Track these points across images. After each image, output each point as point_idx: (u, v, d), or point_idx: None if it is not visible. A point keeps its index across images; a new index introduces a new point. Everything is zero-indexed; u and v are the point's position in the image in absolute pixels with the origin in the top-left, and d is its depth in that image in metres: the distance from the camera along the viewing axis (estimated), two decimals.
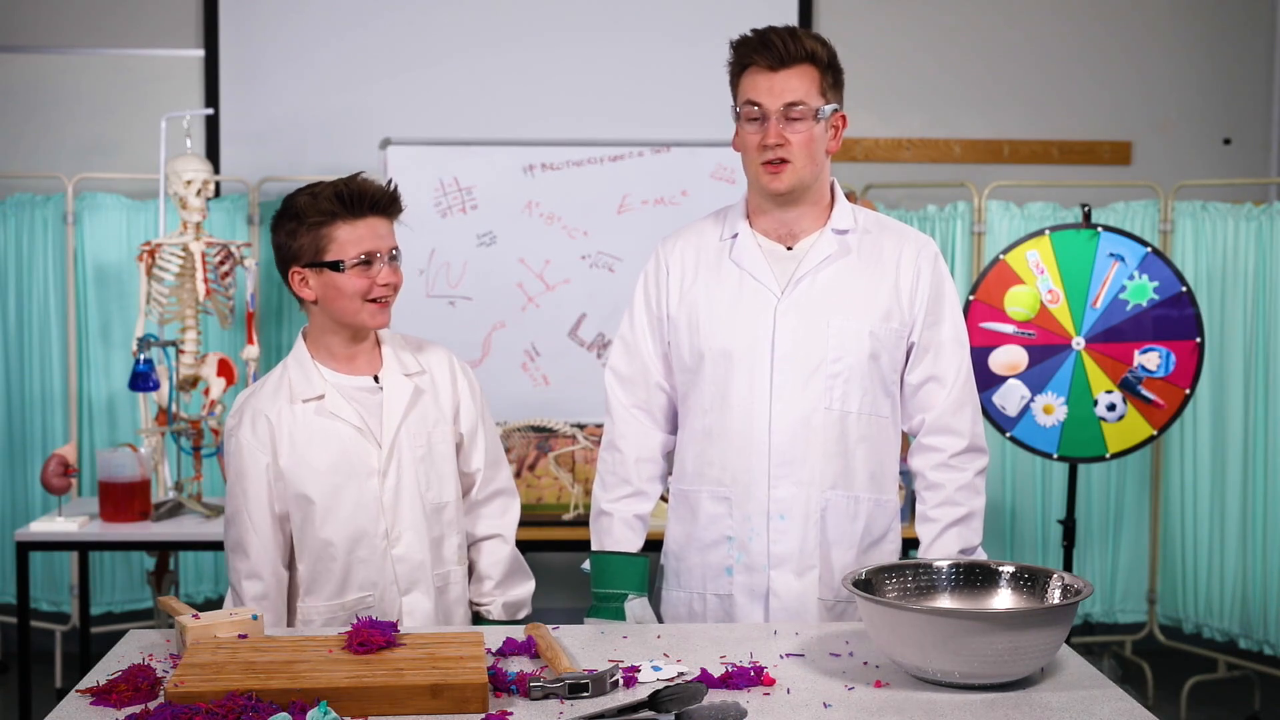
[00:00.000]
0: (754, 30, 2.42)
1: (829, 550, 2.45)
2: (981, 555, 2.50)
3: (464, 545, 2.57)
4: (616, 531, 2.54)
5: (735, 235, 2.51)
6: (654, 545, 2.65)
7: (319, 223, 2.38)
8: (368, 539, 2.43)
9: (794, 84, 2.38)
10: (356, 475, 2.42)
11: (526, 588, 2.65)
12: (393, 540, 2.44)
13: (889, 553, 2.52)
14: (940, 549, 2.45)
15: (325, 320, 2.44)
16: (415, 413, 2.47)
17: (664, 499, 2.63)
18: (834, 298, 2.44)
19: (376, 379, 2.48)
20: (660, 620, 2.57)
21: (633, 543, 2.54)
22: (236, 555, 2.44)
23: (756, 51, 2.40)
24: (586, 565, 2.57)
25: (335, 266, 2.38)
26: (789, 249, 2.48)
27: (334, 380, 2.44)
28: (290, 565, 2.46)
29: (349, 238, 2.38)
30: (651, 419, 2.57)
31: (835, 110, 2.43)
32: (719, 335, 2.46)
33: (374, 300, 2.41)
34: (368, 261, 2.39)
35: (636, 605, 2.48)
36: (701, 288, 2.50)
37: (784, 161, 2.40)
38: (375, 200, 2.40)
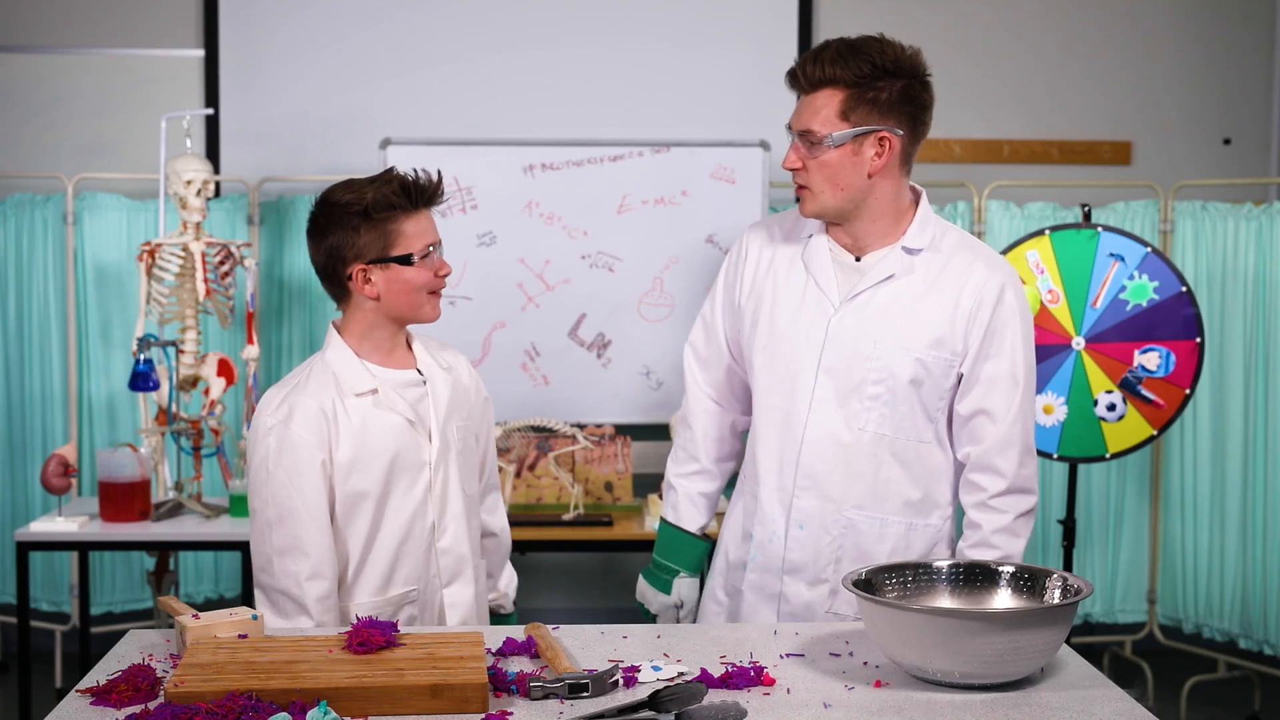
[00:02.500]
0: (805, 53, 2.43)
1: (850, 567, 2.42)
2: None
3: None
4: (681, 506, 2.61)
5: (810, 236, 2.48)
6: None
7: (386, 217, 2.36)
8: (416, 532, 2.42)
9: (808, 111, 2.36)
10: (410, 468, 2.41)
11: (512, 573, 2.75)
12: (439, 533, 2.45)
13: None
14: None
15: (379, 317, 2.41)
16: (456, 407, 2.50)
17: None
18: (887, 317, 2.40)
19: (419, 372, 2.48)
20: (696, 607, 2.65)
21: (695, 520, 2.61)
22: (290, 558, 2.34)
23: (789, 80, 2.41)
24: (656, 525, 2.63)
25: (405, 260, 2.37)
26: (858, 260, 2.45)
27: (381, 375, 2.42)
28: None
29: (414, 231, 2.38)
30: (723, 400, 2.61)
31: (870, 133, 2.34)
32: (773, 336, 2.46)
33: (433, 292, 2.43)
34: (428, 254, 2.40)
35: (684, 585, 2.58)
36: (770, 284, 2.49)
37: (804, 187, 2.39)
38: (433, 193, 2.42)
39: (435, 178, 2.43)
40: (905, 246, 2.41)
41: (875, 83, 2.34)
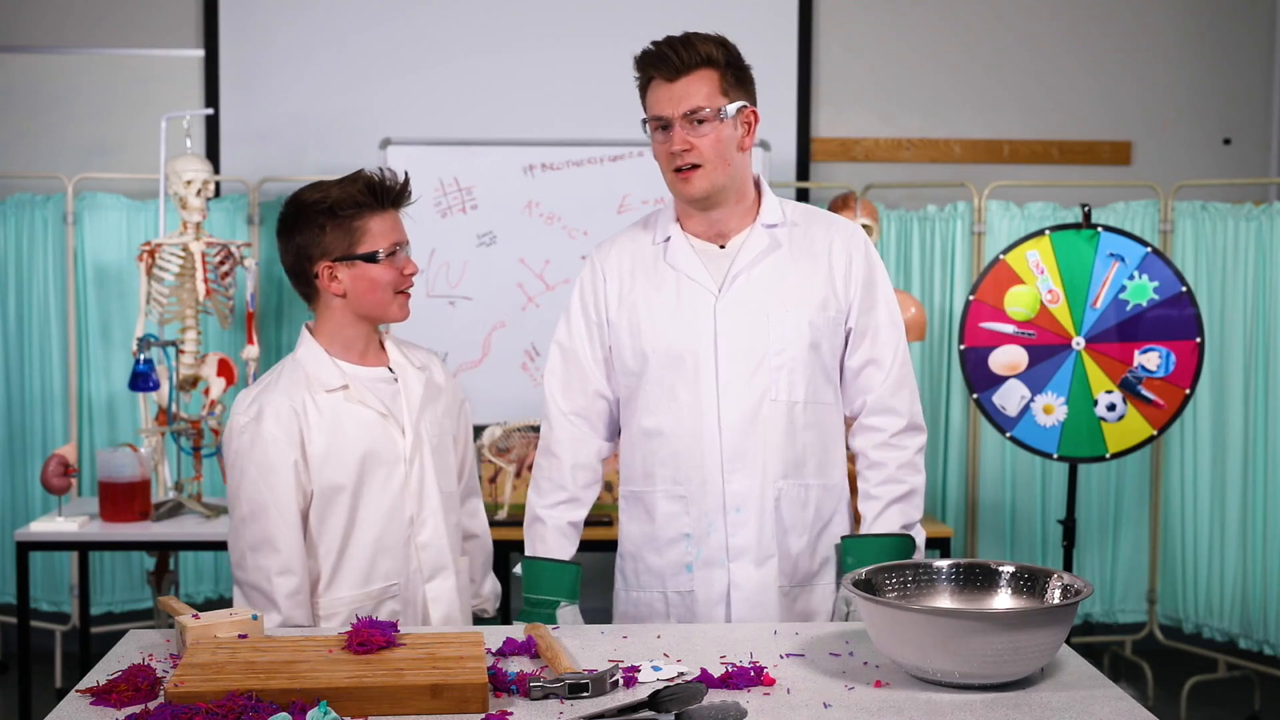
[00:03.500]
0: (653, 43, 2.46)
1: (784, 538, 2.50)
2: (920, 532, 2.54)
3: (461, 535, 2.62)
4: (550, 539, 2.56)
5: (668, 239, 2.54)
6: (586, 548, 2.71)
7: (352, 215, 2.40)
8: (394, 526, 2.44)
9: (692, 90, 2.41)
10: (385, 462, 2.43)
11: (496, 583, 2.74)
12: (417, 527, 2.46)
13: (839, 532, 2.56)
14: (882, 525, 2.50)
15: (347, 315, 2.45)
16: (431, 404, 2.52)
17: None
18: (771, 291, 2.48)
19: (390, 370, 2.50)
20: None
21: (565, 550, 2.57)
22: (262, 553, 2.38)
23: (654, 66, 2.45)
24: (518, 569, 2.59)
25: (371, 258, 2.40)
26: (721, 248, 2.52)
27: (352, 372, 2.46)
28: None
29: (380, 229, 2.42)
30: (590, 426, 2.59)
31: (743, 107, 2.45)
32: (662, 337, 2.49)
33: (400, 291, 2.45)
34: (394, 252, 2.43)
35: (568, 613, 2.52)
36: (640, 292, 2.53)
37: (695, 167, 2.43)
38: (399, 192, 2.45)
39: (402, 178, 2.46)
40: (764, 223, 2.52)
41: (736, 62, 2.46)
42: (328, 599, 2.42)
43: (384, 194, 2.43)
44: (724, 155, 2.43)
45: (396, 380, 2.49)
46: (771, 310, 2.47)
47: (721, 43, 2.45)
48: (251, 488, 2.38)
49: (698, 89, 2.41)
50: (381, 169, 2.45)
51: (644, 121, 2.48)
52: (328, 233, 2.40)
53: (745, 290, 2.48)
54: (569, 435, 2.58)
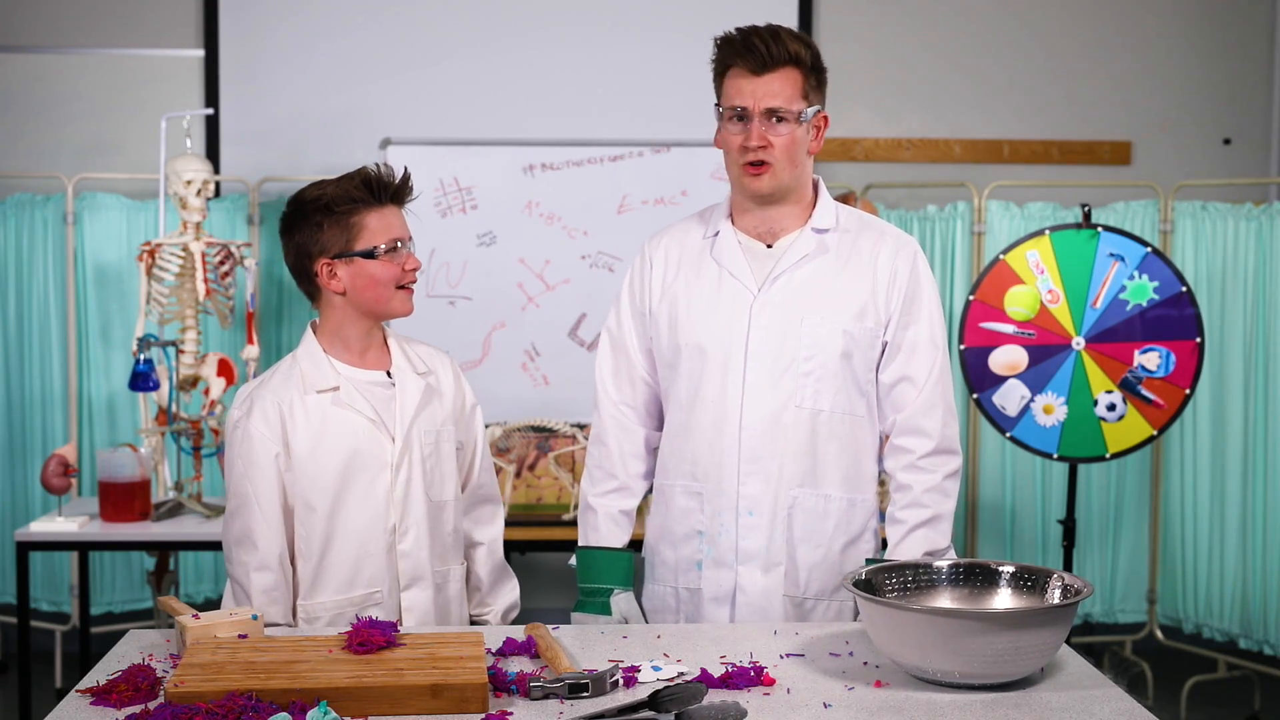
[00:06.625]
0: (738, 30, 2.43)
1: (796, 548, 2.47)
2: (952, 556, 2.49)
3: (460, 544, 2.58)
4: (602, 527, 2.56)
5: (717, 233, 2.53)
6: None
7: (349, 211, 2.39)
8: (376, 533, 2.43)
9: (776, 88, 2.39)
10: (369, 468, 2.41)
11: (514, 588, 2.70)
12: (399, 535, 2.44)
13: (865, 552, 2.52)
14: (906, 551, 2.44)
15: (348, 312, 2.44)
16: (426, 410, 2.49)
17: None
18: (809, 296, 2.46)
19: (389, 375, 2.48)
20: (645, 615, 2.59)
21: (618, 538, 2.57)
22: (243, 548, 2.40)
23: (739, 55, 2.41)
24: (573, 561, 2.59)
25: (369, 254, 2.40)
26: (769, 247, 2.50)
27: (347, 373, 2.45)
28: (290, 562, 2.44)
29: (378, 225, 2.41)
30: (638, 415, 2.60)
31: (817, 111, 2.44)
32: (695, 331, 2.49)
33: (402, 287, 2.44)
34: (395, 248, 2.41)
35: (622, 600, 2.51)
36: (682, 284, 2.52)
37: (765, 164, 2.42)
38: (398, 188, 2.44)
39: (401, 173, 2.45)
40: (815, 227, 2.50)
41: (818, 65, 2.45)
42: (311, 603, 2.41)
43: (381, 189, 2.42)
44: (794, 157, 2.42)
45: (394, 384, 2.47)
46: (806, 315, 2.45)
47: (808, 43, 2.43)
48: (239, 482, 2.41)
49: (782, 88, 2.39)
50: (380, 165, 2.44)
51: (717, 107, 2.45)
52: (325, 230, 2.39)
53: (783, 292, 2.46)
54: (618, 424, 2.59)
